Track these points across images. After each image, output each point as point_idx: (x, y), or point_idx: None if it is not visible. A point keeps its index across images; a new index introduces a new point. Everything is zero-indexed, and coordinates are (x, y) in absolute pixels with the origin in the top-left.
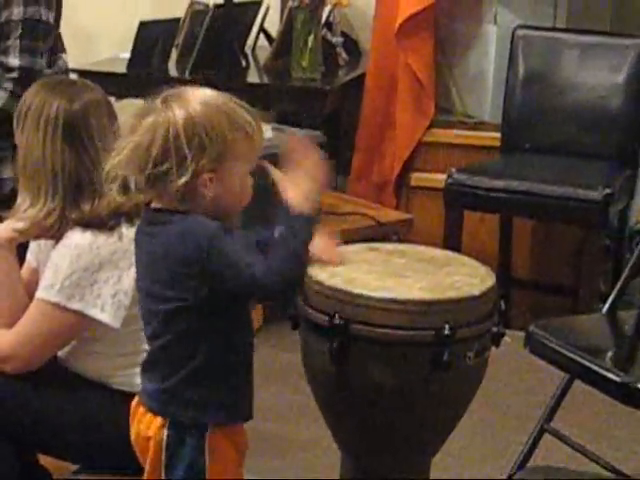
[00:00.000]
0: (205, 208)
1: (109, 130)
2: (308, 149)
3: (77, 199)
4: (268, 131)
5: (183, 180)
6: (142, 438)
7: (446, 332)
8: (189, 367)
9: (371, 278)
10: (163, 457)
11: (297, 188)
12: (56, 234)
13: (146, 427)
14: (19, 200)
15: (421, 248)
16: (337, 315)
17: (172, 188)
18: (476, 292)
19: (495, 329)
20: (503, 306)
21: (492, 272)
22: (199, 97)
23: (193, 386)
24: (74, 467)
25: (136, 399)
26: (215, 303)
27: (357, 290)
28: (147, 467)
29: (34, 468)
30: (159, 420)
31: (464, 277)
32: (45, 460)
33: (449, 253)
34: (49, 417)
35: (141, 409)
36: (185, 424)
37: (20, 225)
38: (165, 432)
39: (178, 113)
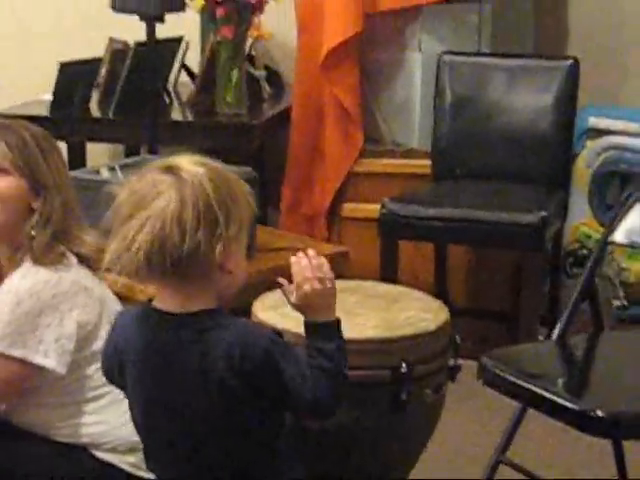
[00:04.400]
0: (224, 291)
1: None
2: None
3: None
4: None
5: (218, 249)
6: None
7: (403, 370)
8: None
9: None
10: None
11: (308, 302)
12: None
13: None
14: None
15: (371, 284)
16: None
17: (206, 264)
18: (432, 327)
19: (451, 363)
20: (459, 339)
21: (444, 306)
22: (190, 159)
23: None
24: None
25: None
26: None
27: None
28: None
29: None
30: None
31: (417, 312)
32: None
33: (399, 288)
34: None
35: None
36: None
37: None
38: None
39: (196, 172)
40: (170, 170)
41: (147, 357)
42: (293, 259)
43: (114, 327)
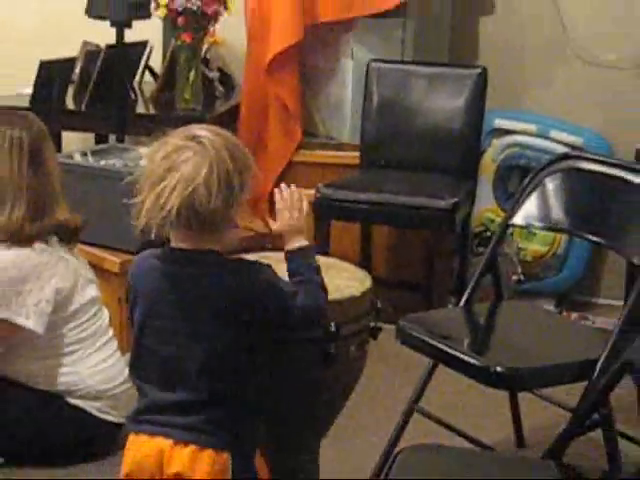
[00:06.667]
0: (228, 243)
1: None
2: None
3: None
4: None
5: (234, 209)
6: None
7: (332, 329)
8: (241, 401)
9: None
10: None
11: (288, 228)
12: None
13: (183, 464)
14: None
15: None
16: None
17: (222, 220)
18: (357, 293)
19: (373, 324)
20: (379, 304)
21: (369, 275)
22: (207, 129)
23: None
24: None
25: (143, 436)
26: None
27: None
28: None
29: None
30: (210, 453)
31: (345, 280)
32: None
33: (330, 260)
34: None
35: (164, 446)
36: (245, 451)
37: None
38: (229, 462)
39: (215, 142)
40: (193, 139)
41: (163, 288)
42: (276, 190)
43: (132, 270)
